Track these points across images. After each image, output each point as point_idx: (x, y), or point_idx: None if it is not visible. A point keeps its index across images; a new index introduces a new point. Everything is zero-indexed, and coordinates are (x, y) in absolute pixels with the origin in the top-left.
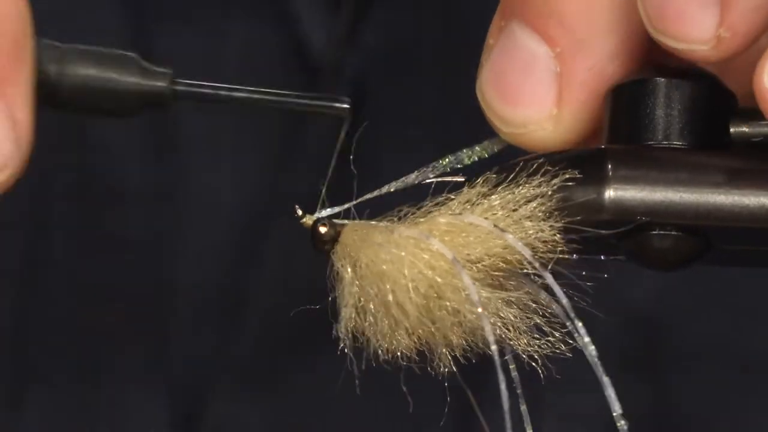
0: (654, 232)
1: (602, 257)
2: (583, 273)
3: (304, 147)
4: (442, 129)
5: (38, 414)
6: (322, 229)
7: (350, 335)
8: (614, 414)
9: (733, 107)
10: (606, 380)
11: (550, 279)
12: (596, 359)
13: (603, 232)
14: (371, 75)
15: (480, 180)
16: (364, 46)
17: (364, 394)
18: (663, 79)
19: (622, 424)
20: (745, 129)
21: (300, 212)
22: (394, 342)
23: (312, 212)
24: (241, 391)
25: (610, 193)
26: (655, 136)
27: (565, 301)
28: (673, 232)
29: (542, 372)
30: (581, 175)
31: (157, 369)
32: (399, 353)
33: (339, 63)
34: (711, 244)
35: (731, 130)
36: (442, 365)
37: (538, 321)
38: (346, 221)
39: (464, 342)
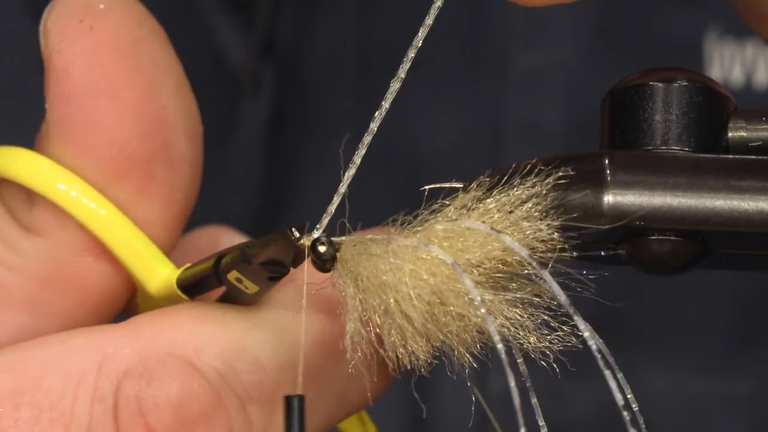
0: (653, 237)
1: (602, 253)
2: (584, 272)
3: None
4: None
5: None
6: (321, 248)
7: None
8: (619, 404)
9: (731, 112)
10: (608, 373)
11: (548, 277)
12: (598, 352)
13: (602, 227)
14: (289, 81)
15: (474, 184)
16: (279, 52)
17: None
18: (661, 84)
19: (626, 414)
20: (743, 134)
21: (297, 233)
22: (404, 349)
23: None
24: None
25: (608, 198)
26: (653, 141)
27: (563, 298)
28: (671, 237)
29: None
30: (580, 181)
31: None
32: (409, 360)
33: (256, 71)
34: (709, 248)
35: (729, 134)
36: (456, 367)
37: (545, 318)
38: (343, 237)
39: (472, 344)
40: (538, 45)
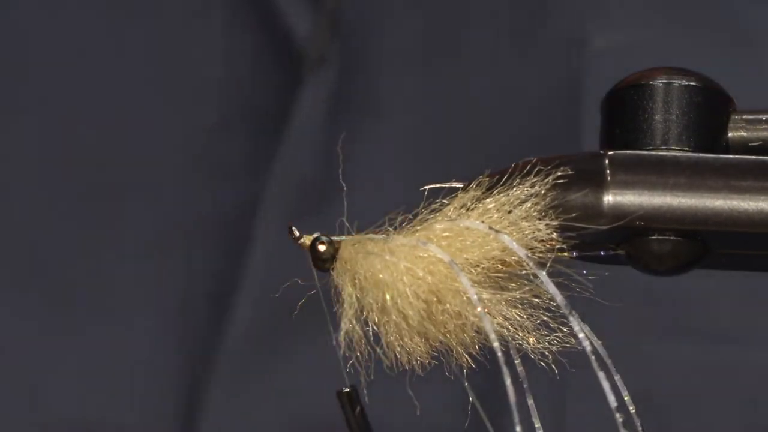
0: (653, 237)
1: (602, 253)
2: (584, 272)
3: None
4: (422, 115)
5: None
6: (321, 248)
7: (351, 344)
8: (612, 406)
9: (731, 112)
10: (601, 374)
11: (544, 277)
12: (592, 354)
13: (602, 227)
14: (354, 62)
15: (474, 184)
16: (345, 33)
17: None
18: (661, 84)
19: (618, 416)
20: (743, 134)
21: (297, 232)
22: (400, 348)
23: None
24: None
25: (608, 198)
26: (653, 141)
27: (560, 298)
28: (671, 237)
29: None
30: (580, 181)
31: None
32: (405, 359)
33: (322, 51)
34: (709, 248)
35: (729, 134)
36: (452, 368)
37: (544, 318)
38: (343, 236)
39: (471, 343)
40: (615, 24)
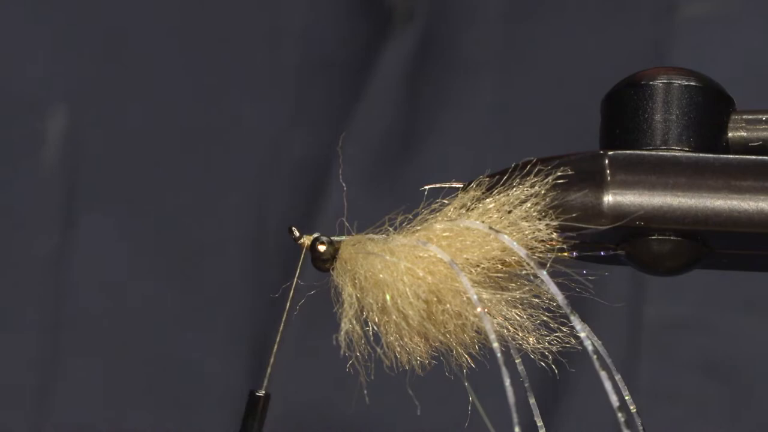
0: (653, 237)
1: (602, 253)
2: (584, 271)
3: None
4: (507, 73)
5: None
6: (321, 248)
7: (351, 344)
8: (614, 406)
9: (731, 112)
10: (603, 374)
11: (545, 277)
12: (594, 353)
13: (602, 228)
14: (441, 19)
15: (474, 184)
16: None
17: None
18: (661, 84)
19: (620, 415)
20: (743, 134)
21: (297, 233)
22: (400, 348)
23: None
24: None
25: (608, 198)
26: (653, 141)
27: (561, 298)
28: (671, 237)
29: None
30: (580, 181)
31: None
32: (405, 359)
33: (411, 6)
34: (709, 248)
35: (729, 134)
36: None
37: (544, 318)
38: (343, 237)
39: (471, 343)
40: None
